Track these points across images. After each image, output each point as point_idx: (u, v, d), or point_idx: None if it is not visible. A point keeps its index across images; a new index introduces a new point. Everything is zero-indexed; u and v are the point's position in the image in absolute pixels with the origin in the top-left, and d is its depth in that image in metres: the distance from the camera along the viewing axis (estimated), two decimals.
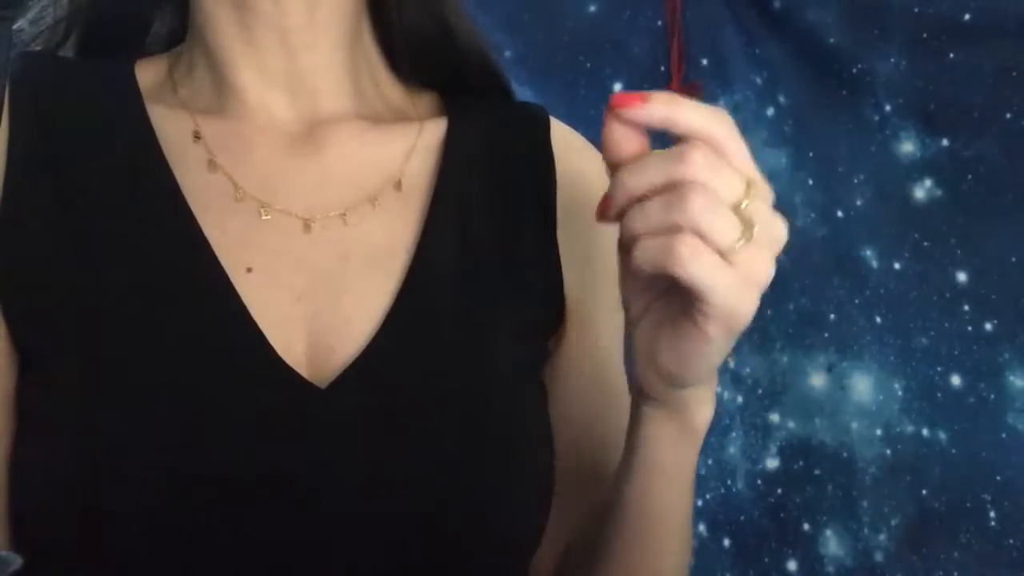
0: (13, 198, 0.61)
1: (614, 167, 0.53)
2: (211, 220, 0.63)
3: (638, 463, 0.62)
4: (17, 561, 0.44)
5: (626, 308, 0.58)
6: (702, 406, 0.60)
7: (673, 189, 0.50)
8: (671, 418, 0.60)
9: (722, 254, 0.51)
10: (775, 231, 0.53)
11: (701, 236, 0.50)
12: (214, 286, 0.61)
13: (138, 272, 0.61)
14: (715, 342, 0.54)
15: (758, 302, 0.53)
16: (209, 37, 0.67)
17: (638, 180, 0.52)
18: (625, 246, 0.53)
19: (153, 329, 0.59)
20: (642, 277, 0.54)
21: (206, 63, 0.67)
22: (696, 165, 0.50)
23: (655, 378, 0.57)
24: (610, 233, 0.74)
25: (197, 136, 0.66)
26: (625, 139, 0.53)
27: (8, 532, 0.59)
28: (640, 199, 0.52)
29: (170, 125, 0.66)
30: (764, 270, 0.52)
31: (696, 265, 0.50)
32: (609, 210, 0.53)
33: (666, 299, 0.55)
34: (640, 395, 0.59)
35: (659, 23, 1.35)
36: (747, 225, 0.51)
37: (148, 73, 0.69)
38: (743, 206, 0.51)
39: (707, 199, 0.50)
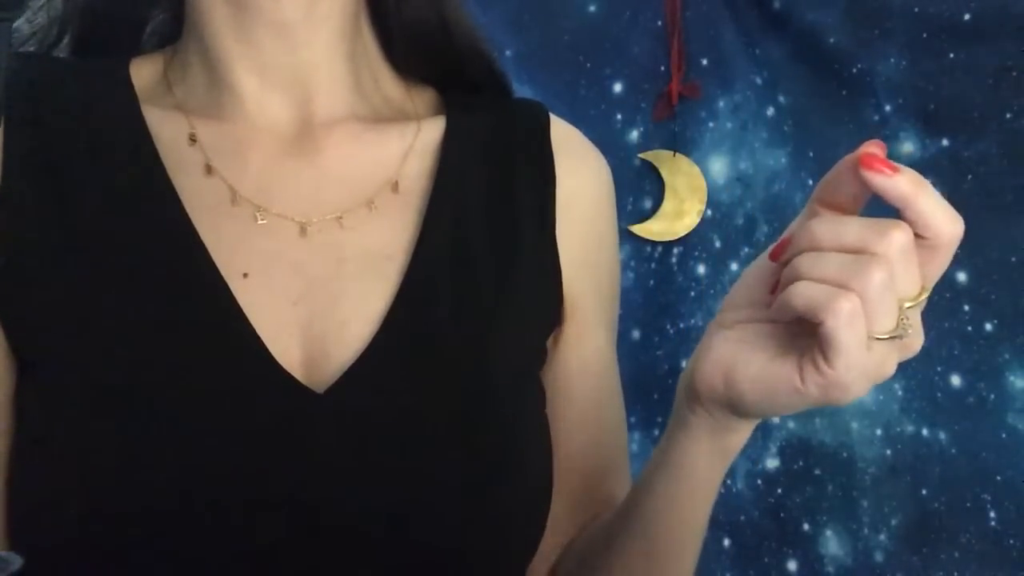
0: (9, 203, 0.61)
1: (819, 207, 0.54)
2: (207, 225, 0.62)
3: (668, 470, 0.62)
4: (17, 561, 0.44)
5: (725, 309, 0.58)
6: (741, 432, 0.60)
7: (859, 254, 0.51)
8: (711, 432, 0.59)
9: (868, 334, 0.51)
10: (915, 344, 0.54)
11: (864, 308, 0.51)
12: (211, 292, 0.60)
13: (135, 278, 0.61)
14: (805, 399, 0.54)
15: (864, 394, 0.54)
16: (205, 35, 0.66)
17: (831, 235, 0.52)
18: (783, 280, 0.53)
19: (150, 335, 0.59)
20: (777, 310, 0.54)
21: (202, 61, 0.67)
22: (895, 246, 0.51)
23: (721, 388, 0.57)
24: (609, 231, 0.74)
25: (193, 139, 0.65)
26: (845, 191, 0.53)
27: (7, 536, 0.58)
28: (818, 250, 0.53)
29: (166, 128, 0.65)
30: (888, 371, 0.53)
31: (848, 328, 0.50)
32: (785, 253, 0.54)
33: (781, 330, 0.55)
34: (691, 398, 0.59)
35: (659, 23, 1.35)
36: (902, 325, 0.52)
37: (143, 72, 0.68)
38: (906, 307, 0.52)
39: (887, 279, 0.50)
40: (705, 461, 0.61)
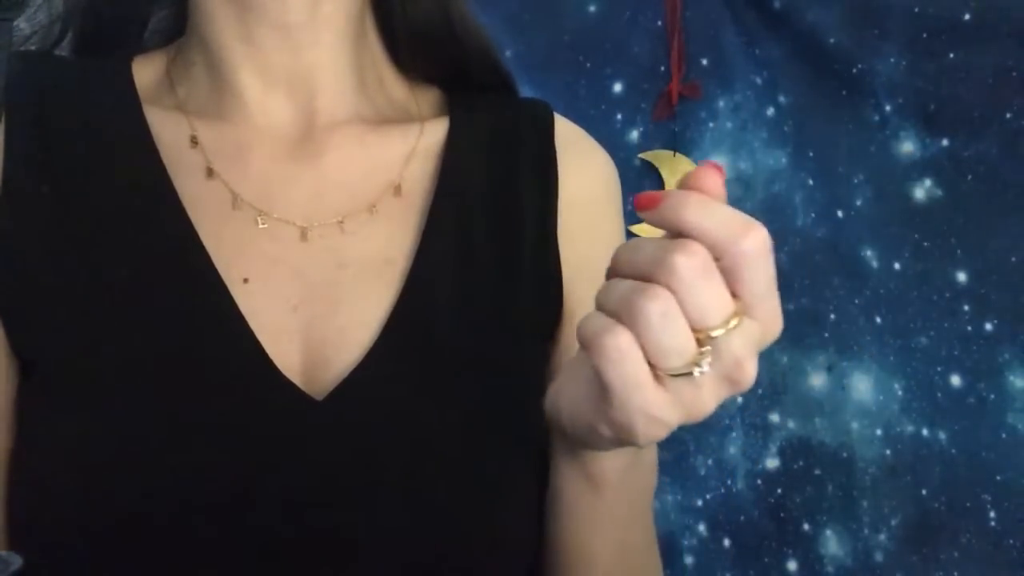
0: (11, 204, 0.61)
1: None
2: (208, 229, 0.62)
3: (553, 496, 0.61)
4: (17, 561, 0.44)
5: None
6: (603, 462, 0.57)
7: (644, 282, 0.46)
8: (565, 453, 0.58)
9: (657, 371, 0.46)
10: (738, 375, 0.47)
11: (642, 345, 0.46)
12: (212, 297, 0.60)
13: (136, 280, 0.60)
14: (603, 439, 0.50)
15: (667, 433, 0.48)
16: (208, 35, 0.65)
17: (626, 258, 0.48)
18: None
19: (152, 340, 0.59)
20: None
21: (204, 62, 0.66)
22: (674, 272, 0.45)
23: (551, 410, 0.55)
24: (612, 232, 0.74)
25: (194, 141, 0.65)
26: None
27: (6, 536, 0.58)
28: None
29: (167, 130, 0.65)
30: (696, 410, 0.48)
31: (615, 366, 0.46)
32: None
33: None
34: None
35: (659, 23, 1.35)
36: (700, 358, 0.46)
37: (145, 72, 0.68)
38: (713, 334, 0.46)
39: (666, 311, 0.45)
40: (572, 486, 0.58)
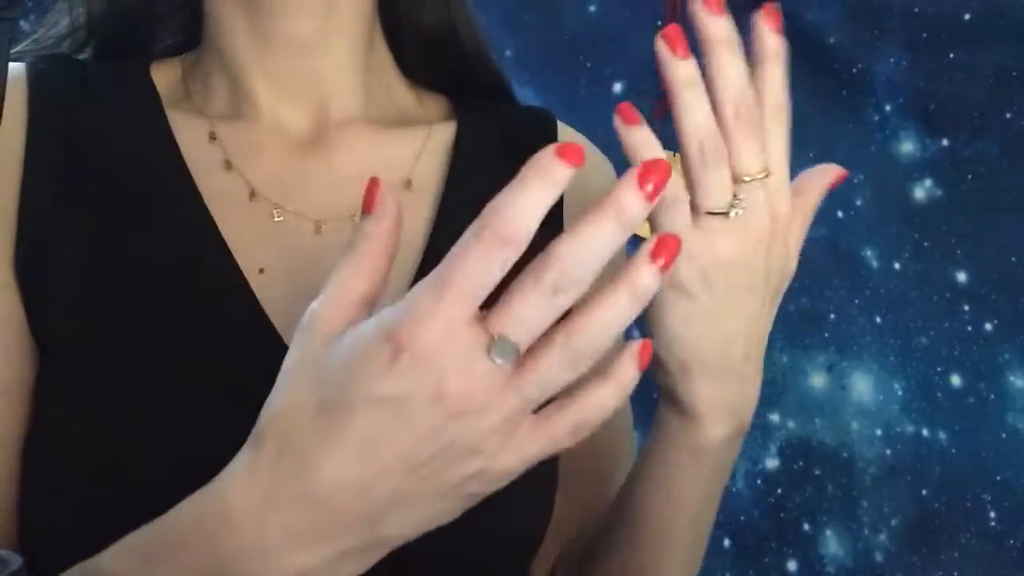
0: (34, 197, 0.62)
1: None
2: (226, 220, 0.63)
3: (644, 467, 0.62)
4: (17, 561, 0.44)
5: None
6: (712, 419, 0.59)
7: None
8: (681, 424, 0.59)
9: (695, 210, 0.54)
10: (759, 224, 0.56)
11: (690, 182, 0.55)
12: (231, 286, 0.61)
13: (157, 271, 0.61)
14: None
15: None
16: (223, 44, 0.67)
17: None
18: None
19: (170, 326, 0.60)
20: None
21: (221, 71, 0.68)
22: (728, 108, 0.57)
23: (657, 362, 0.58)
24: None
25: (213, 137, 0.66)
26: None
27: (22, 520, 0.59)
28: None
29: (187, 128, 0.67)
30: (721, 251, 0.55)
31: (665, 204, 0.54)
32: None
33: None
34: (658, 389, 0.59)
35: (659, 23, 1.35)
36: (737, 201, 0.54)
37: (163, 77, 0.70)
38: (747, 179, 0.56)
39: (716, 148, 0.55)
40: (679, 456, 0.61)
